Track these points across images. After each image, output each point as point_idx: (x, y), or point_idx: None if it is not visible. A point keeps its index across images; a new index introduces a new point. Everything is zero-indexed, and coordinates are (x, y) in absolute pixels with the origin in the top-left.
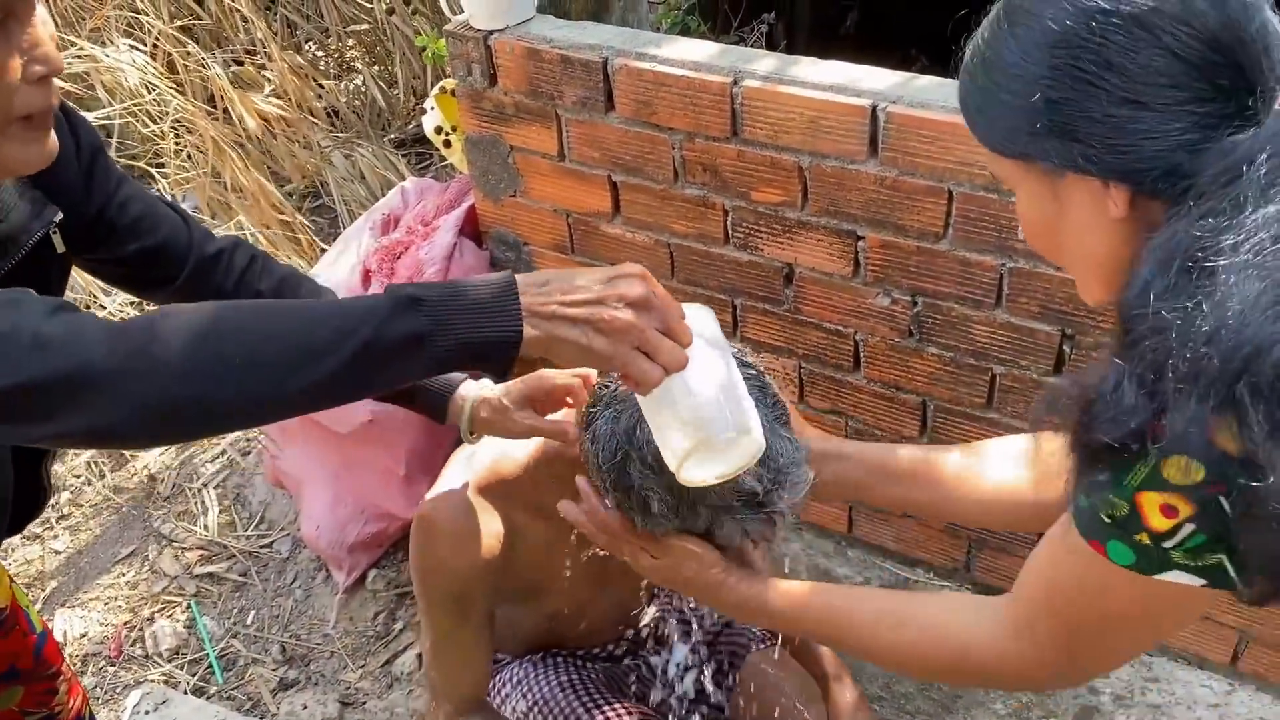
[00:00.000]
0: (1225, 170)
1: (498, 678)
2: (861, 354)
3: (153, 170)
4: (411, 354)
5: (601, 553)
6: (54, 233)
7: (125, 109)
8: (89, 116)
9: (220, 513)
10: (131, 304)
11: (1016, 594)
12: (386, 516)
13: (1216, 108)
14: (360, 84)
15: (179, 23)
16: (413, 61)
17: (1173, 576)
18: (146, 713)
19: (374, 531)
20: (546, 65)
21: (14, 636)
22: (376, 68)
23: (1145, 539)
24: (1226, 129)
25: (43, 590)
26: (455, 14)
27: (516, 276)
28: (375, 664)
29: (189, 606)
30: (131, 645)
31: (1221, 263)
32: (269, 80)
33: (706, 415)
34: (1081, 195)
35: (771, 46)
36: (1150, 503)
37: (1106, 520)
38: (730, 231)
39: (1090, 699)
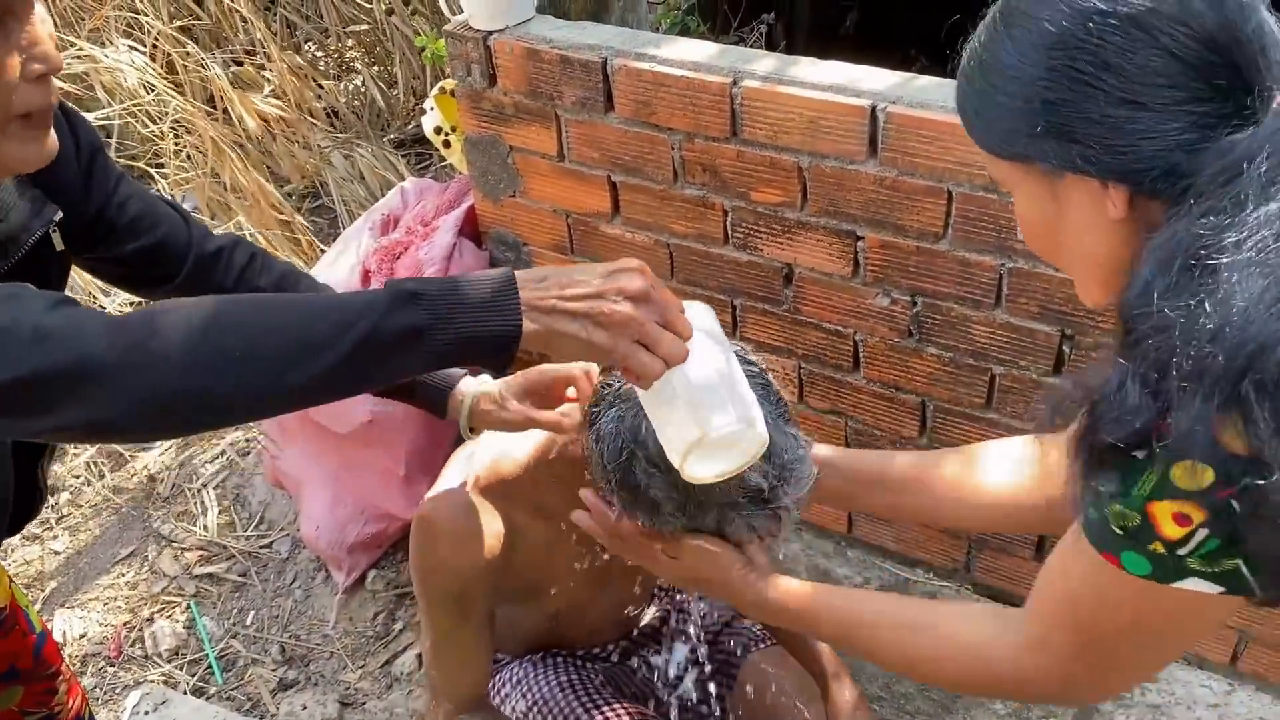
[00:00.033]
0: (1225, 169)
1: (497, 678)
2: (861, 354)
3: (152, 171)
4: (410, 348)
5: (606, 555)
6: (53, 231)
7: (125, 109)
8: (88, 117)
9: (220, 513)
10: (131, 303)
11: (1031, 606)
12: (386, 517)
13: (1214, 107)
14: (360, 84)
15: (178, 23)
16: (412, 62)
17: (1190, 584)
18: (146, 713)
19: (373, 532)
20: (546, 65)
21: (13, 636)
22: (376, 68)
23: (1160, 548)
24: (1225, 129)
25: (42, 591)
26: (455, 14)
27: (515, 272)
28: (375, 664)
29: (188, 607)
30: (131, 646)
31: (1224, 260)
32: (268, 81)
33: (709, 407)
34: (1080, 196)
35: (771, 47)
36: (1162, 512)
37: (1118, 532)
38: (730, 232)
39: None
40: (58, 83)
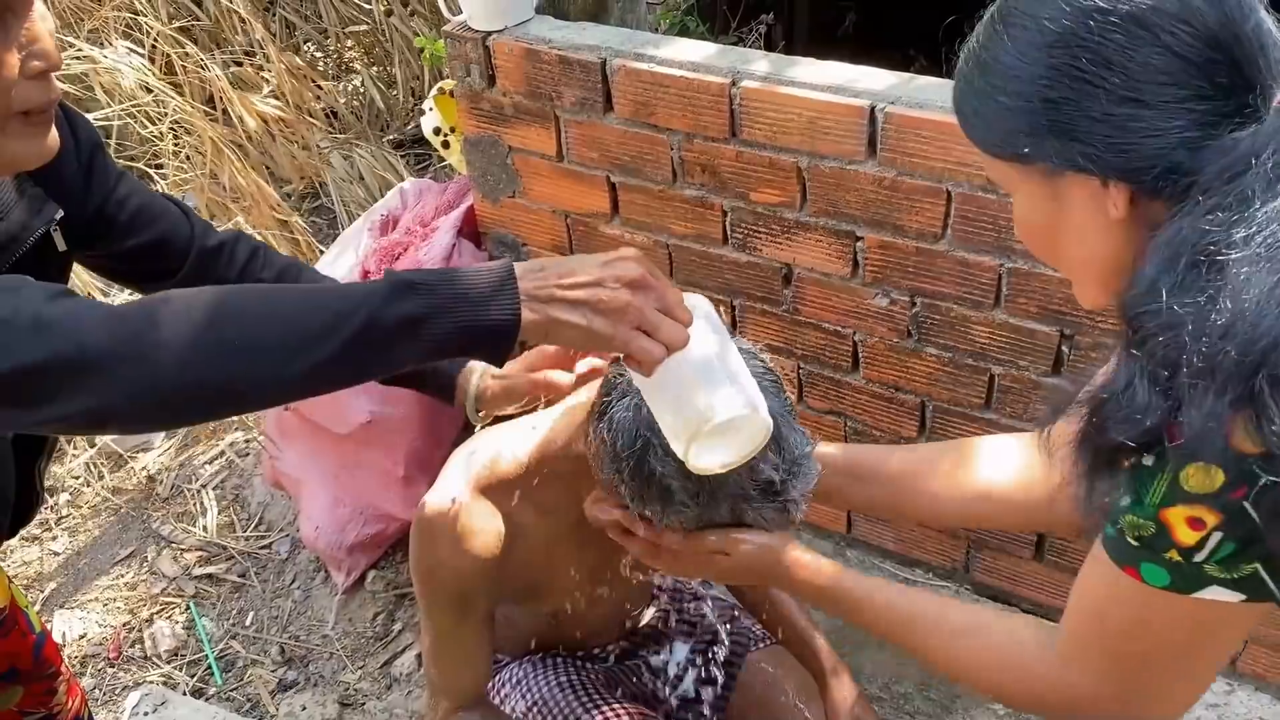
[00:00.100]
0: (1229, 166)
1: (497, 678)
2: (860, 354)
3: (151, 171)
4: (409, 337)
5: (623, 562)
6: (55, 230)
7: (124, 110)
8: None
9: (219, 514)
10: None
11: (1065, 624)
12: (385, 517)
13: (1216, 105)
14: (359, 85)
15: (177, 24)
16: (411, 62)
17: (1211, 593)
18: (145, 714)
19: (373, 532)
20: (545, 66)
21: (13, 637)
22: (375, 69)
23: (1175, 555)
24: (1226, 126)
25: (41, 591)
26: (454, 15)
27: (514, 264)
28: (374, 665)
29: (188, 608)
30: (130, 646)
31: (1233, 256)
32: (267, 81)
33: (711, 392)
34: (1081, 196)
35: (770, 47)
36: (1176, 517)
37: (1135, 543)
38: (729, 232)
39: None
40: (57, 83)
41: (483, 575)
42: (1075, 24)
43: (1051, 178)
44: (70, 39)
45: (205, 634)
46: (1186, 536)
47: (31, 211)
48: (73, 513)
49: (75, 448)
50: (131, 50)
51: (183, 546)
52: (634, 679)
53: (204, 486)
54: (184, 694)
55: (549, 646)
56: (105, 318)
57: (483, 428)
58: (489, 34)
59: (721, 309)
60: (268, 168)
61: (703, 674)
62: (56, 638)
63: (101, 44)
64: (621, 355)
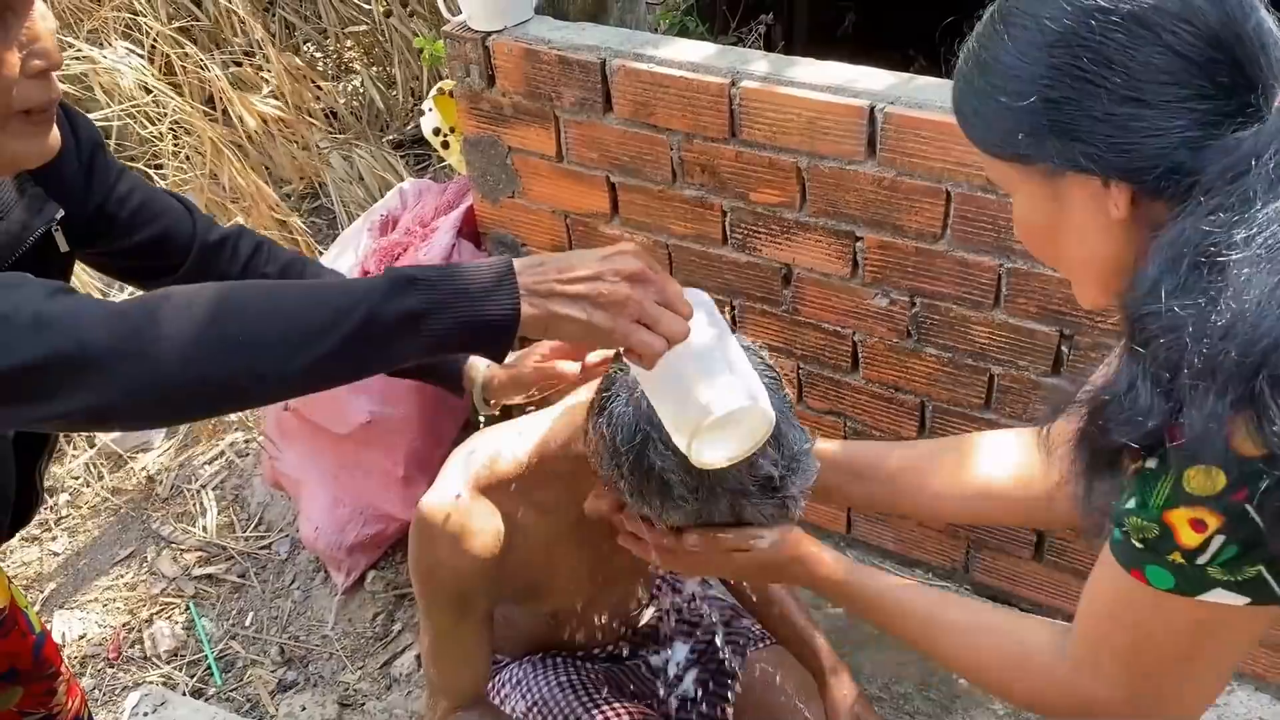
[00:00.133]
0: (1231, 166)
1: (496, 679)
2: (860, 355)
3: (151, 172)
4: (409, 333)
5: (638, 562)
6: (56, 230)
7: (123, 110)
8: None
9: (219, 514)
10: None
11: (1077, 628)
12: (385, 517)
13: (1217, 105)
14: (358, 85)
15: (177, 24)
16: (411, 63)
17: (1215, 596)
18: (145, 714)
19: (373, 533)
20: (545, 66)
21: (13, 637)
22: (374, 69)
23: (1178, 558)
24: (1228, 126)
25: (41, 592)
26: (453, 15)
27: (513, 259)
28: (374, 665)
29: (187, 608)
30: (130, 647)
31: (1234, 257)
32: (267, 82)
33: (713, 384)
34: (1081, 196)
35: (769, 47)
36: (1179, 519)
37: (1140, 546)
38: (729, 232)
39: None
40: (58, 82)
41: (482, 575)
42: (1076, 23)
43: (1052, 178)
44: (69, 39)
45: (205, 634)
46: (1189, 539)
47: (32, 211)
48: (72, 513)
49: (75, 448)
50: (131, 51)
51: (182, 547)
52: (634, 679)
53: (204, 487)
54: (184, 694)
55: (549, 646)
56: (105, 315)
57: (486, 423)
58: (488, 34)
59: (721, 309)
60: (267, 168)
61: (702, 673)
62: (56, 638)
63: (101, 44)
64: (622, 350)
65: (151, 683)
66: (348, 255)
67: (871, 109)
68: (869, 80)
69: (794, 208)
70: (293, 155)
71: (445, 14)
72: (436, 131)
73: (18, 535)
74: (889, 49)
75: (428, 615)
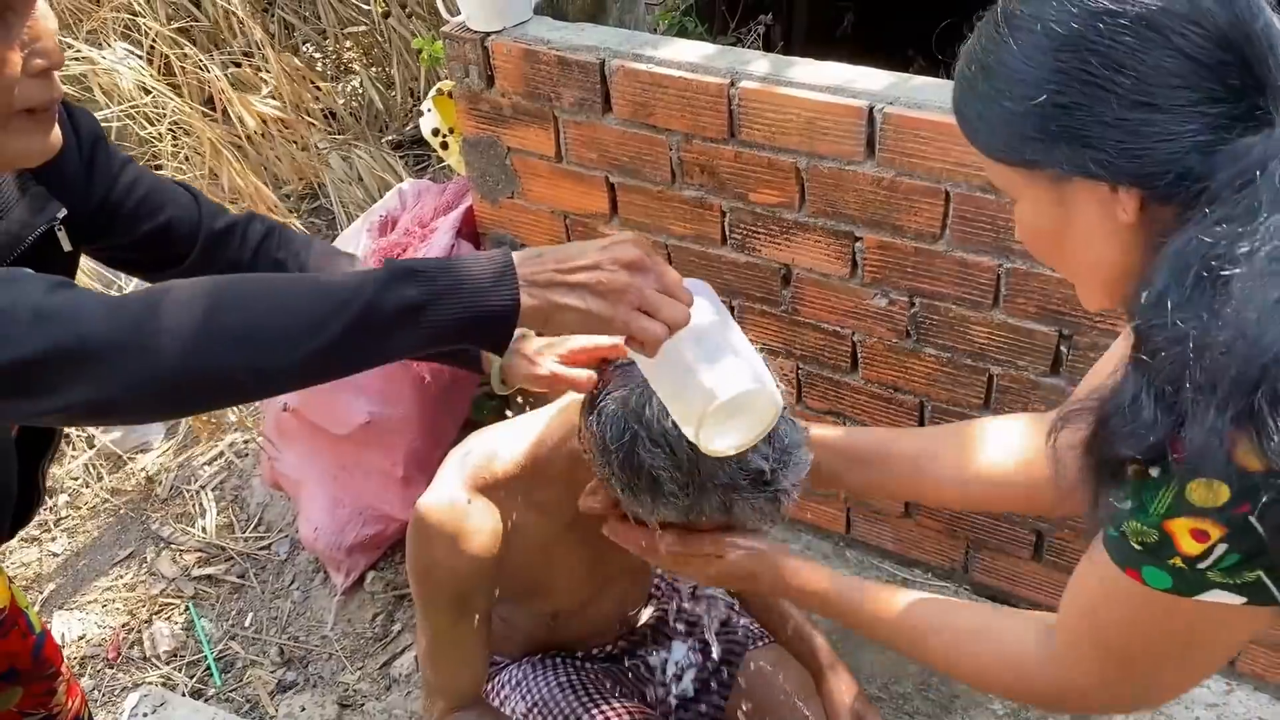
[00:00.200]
0: (1240, 174)
1: (496, 680)
2: (859, 355)
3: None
4: (409, 324)
5: (636, 561)
6: (59, 229)
7: (122, 111)
8: None
9: (218, 515)
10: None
11: (1061, 620)
12: (384, 518)
13: (1228, 108)
14: (357, 86)
15: (176, 25)
16: (410, 63)
17: (1213, 596)
18: (144, 715)
19: (372, 533)
20: (544, 67)
21: (13, 637)
22: (374, 69)
23: (1179, 562)
24: (1239, 130)
25: (41, 592)
26: (452, 15)
27: (513, 252)
28: (374, 666)
29: (187, 608)
30: (129, 647)
31: (1237, 270)
32: (266, 82)
33: (717, 369)
34: (1089, 201)
35: (769, 48)
36: (1180, 529)
37: (1138, 548)
38: (728, 232)
39: None
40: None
41: (480, 575)
42: (1084, 26)
43: (1059, 183)
44: (69, 40)
45: (204, 635)
46: (1191, 547)
47: (33, 210)
48: (72, 514)
49: (74, 449)
50: (130, 51)
51: (182, 547)
52: (633, 679)
53: (203, 487)
54: (183, 695)
55: (548, 646)
56: (105, 308)
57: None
58: (487, 35)
59: None
60: (266, 168)
61: (701, 673)
62: (56, 638)
63: (100, 45)
64: (625, 339)
65: (151, 683)
66: None
67: (870, 109)
68: (868, 80)
69: (793, 208)
70: (292, 156)
71: (444, 14)
72: (435, 132)
73: (18, 535)
74: (888, 49)
75: (426, 616)
